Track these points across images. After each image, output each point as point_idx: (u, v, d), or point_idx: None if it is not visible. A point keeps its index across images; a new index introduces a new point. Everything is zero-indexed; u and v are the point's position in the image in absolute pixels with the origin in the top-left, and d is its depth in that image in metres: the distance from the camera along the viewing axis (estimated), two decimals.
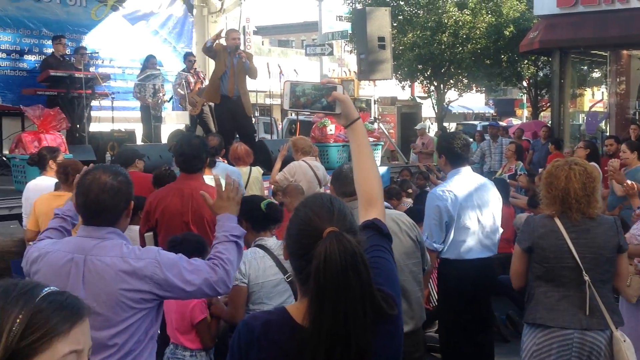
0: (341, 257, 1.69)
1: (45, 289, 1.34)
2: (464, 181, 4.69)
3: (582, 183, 3.60)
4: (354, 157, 2.28)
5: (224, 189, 2.94)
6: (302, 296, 1.83)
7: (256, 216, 4.00)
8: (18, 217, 7.33)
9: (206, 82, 12.38)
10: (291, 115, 18.68)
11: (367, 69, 11.44)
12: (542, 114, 28.58)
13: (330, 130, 10.63)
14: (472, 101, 44.63)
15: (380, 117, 13.82)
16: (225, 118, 9.90)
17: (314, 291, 1.69)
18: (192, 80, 11.99)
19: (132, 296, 2.58)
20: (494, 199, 4.78)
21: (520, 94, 38.26)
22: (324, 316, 1.67)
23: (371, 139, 11.34)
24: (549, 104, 28.59)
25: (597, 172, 3.87)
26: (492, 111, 48.76)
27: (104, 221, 2.68)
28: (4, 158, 9.41)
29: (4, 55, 11.90)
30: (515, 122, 33.22)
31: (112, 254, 2.61)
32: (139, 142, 11.43)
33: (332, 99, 2.23)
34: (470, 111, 47.23)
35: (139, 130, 11.81)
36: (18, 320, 1.27)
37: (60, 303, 1.33)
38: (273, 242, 3.98)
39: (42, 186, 5.91)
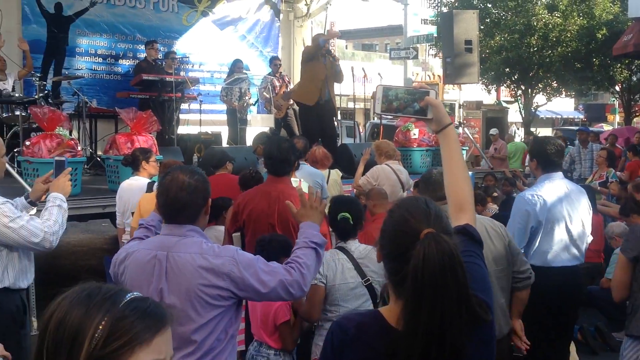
0: (439, 258, 1.68)
1: (129, 295, 1.32)
2: (554, 187, 4.55)
3: None
4: (445, 163, 2.27)
5: (307, 197, 3.01)
6: (397, 298, 1.82)
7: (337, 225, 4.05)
8: (110, 216, 7.61)
9: (291, 86, 12.55)
10: (374, 119, 18.66)
11: (453, 73, 11.30)
12: (635, 119, 27.54)
13: (414, 134, 10.57)
14: (560, 106, 43.39)
15: (465, 122, 13.63)
16: (312, 120, 9.98)
17: (411, 292, 1.69)
18: (277, 83, 12.16)
19: (209, 292, 2.66)
20: (584, 207, 4.63)
21: (612, 99, 36.91)
22: (421, 316, 1.67)
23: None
24: None
25: None
26: (581, 116, 47.22)
27: (183, 219, 2.79)
28: (98, 159, 9.79)
29: (100, 60, 12.40)
30: (607, 127, 32.09)
31: (192, 251, 2.71)
32: (224, 144, 11.69)
33: (424, 104, 2.22)
34: (559, 116, 45.93)
35: (224, 132, 12.08)
36: (101, 327, 1.25)
37: (143, 310, 1.30)
38: (355, 245, 3.99)
39: (135, 186, 6.12)
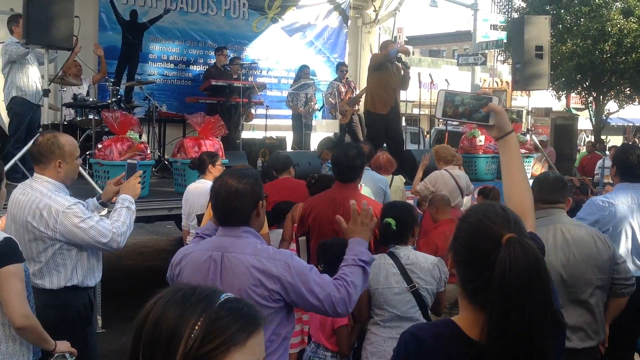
0: (526, 263, 1.65)
1: (223, 295, 1.32)
2: (628, 195, 4.48)
3: None
4: (505, 170, 2.27)
5: (358, 212, 3.02)
6: (472, 307, 1.77)
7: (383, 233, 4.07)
8: (175, 218, 7.79)
9: (357, 92, 12.60)
10: (439, 125, 18.52)
11: (523, 79, 11.09)
12: None
13: (480, 141, 10.44)
14: (633, 113, 41.99)
15: (532, 129, 13.38)
16: (379, 127, 10.00)
17: (498, 299, 1.64)
18: (343, 89, 12.23)
19: (260, 292, 2.72)
20: None
21: None
22: (509, 324, 1.63)
23: (523, 151, 11.07)
24: None
25: None
26: None
27: (235, 221, 2.86)
28: (166, 162, 10.03)
29: (172, 66, 12.70)
30: None
31: (246, 252, 2.78)
32: (288, 149, 11.82)
33: (487, 110, 2.22)
34: (631, 124, 44.46)
35: (289, 137, 12.21)
36: (197, 327, 1.24)
37: (238, 311, 1.30)
38: (405, 251, 4.00)
39: (201, 189, 6.22)
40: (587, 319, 3.67)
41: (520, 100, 22.59)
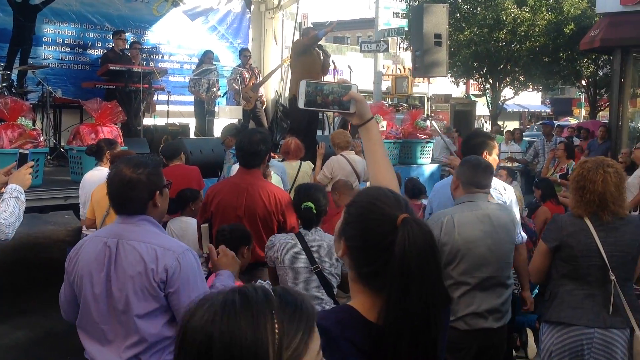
0: (423, 241, 1.67)
1: (270, 288, 1.26)
2: None
3: (616, 185, 3.58)
4: (369, 156, 2.31)
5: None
6: (369, 291, 1.76)
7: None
8: (73, 207, 7.54)
9: (260, 78, 12.53)
10: None
11: (422, 67, 11.36)
12: (600, 113, 27.93)
13: (382, 126, 10.62)
14: (528, 100, 43.88)
15: (433, 115, 13.72)
16: (302, 114, 9.98)
17: (398, 280, 1.65)
18: (247, 75, 12.12)
19: (150, 282, 2.69)
20: None
21: (579, 93, 37.43)
22: (409, 301, 1.64)
23: (423, 136, 11.34)
24: (607, 103, 27.96)
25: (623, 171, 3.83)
26: (548, 110, 47.83)
27: (130, 211, 2.82)
28: (62, 149, 9.66)
29: (67, 49, 12.17)
30: (573, 121, 32.53)
31: (141, 239, 2.74)
32: (191, 135, 11.63)
33: (347, 98, 2.26)
34: (526, 110, 46.43)
35: (192, 124, 12.01)
36: (277, 331, 1.16)
37: (294, 300, 1.24)
38: (312, 233, 4.08)
39: (98, 177, 6.04)
40: (503, 300, 3.79)
41: (422, 87, 23.12)
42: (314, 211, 4.03)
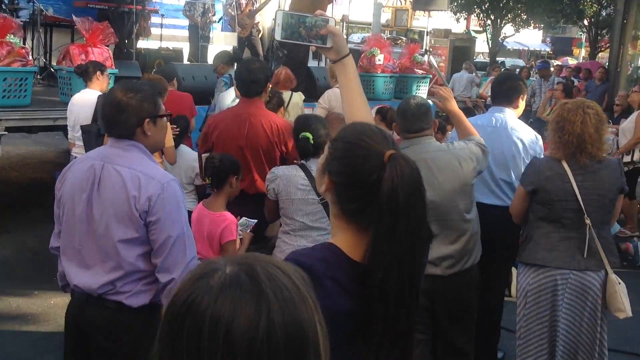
0: (410, 177, 1.64)
1: (284, 261, 1.15)
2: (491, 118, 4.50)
3: (596, 127, 3.54)
4: (344, 93, 2.25)
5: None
6: (353, 228, 1.73)
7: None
8: (62, 129, 7.45)
9: (257, 5, 12.25)
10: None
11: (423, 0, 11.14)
12: (599, 54, 27.65)
13: (379, 60, 10.41)
14: (528, 38, 43.30)
15: (431, 50, 13.51)
16: (305, 48, 9.79)
17: (387, 214, 1.61)
18: (243, 1, 11.84)
19: (131, 209, 2.64)
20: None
21: (580, 33, 36.99)
22: (396, 238, 1.61)
23: (420, 71, 11.17)
24: (608, 44, 27.65)
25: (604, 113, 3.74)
26: (548, 49, 47.32)
27: (117, 134, 2.76)
28: (52, 69, 9.48)
29: None
30: (572, 61, 32.23)
31: (127, 164, 2.69)
32: (184, 61, 11.44)
33: (325, 32, 2.19)
34: (526, 48, 45.90)
35: (186, 49, 11.80)
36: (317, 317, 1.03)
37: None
38: (316, 164, 3.95)
39: (86, 99, 5.98)
40: (458, 245, 3.64)
41: (422, 21, 22.70)
42: (311, 142, 3.94)
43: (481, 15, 25.60)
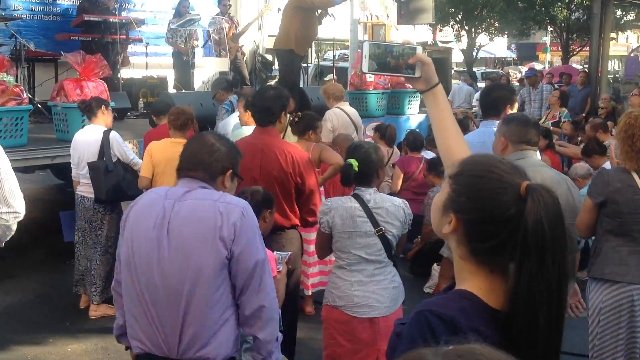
0: (554, 208, 1.51)
1: None
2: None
3: None
4: (437, 125, 2.12)
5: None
6: (486, 272, 1.59)
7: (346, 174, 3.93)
8: (57, 167, 7.21)
9: (240, 28, 12.11)
10: (317, 59, 18.24)
11: (408, 13, 11.08)
12: (572, 58, 27.99)
13: (370, 77, 10.34)
14: (494, 46, 43.78)
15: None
16: (297, 68, 9.78)
17: (534, 253, 1.48)
18: (225, 25, 11.69)
19: (214, 243, 2.49)
20: None
21: (544, 38, 37.51)
22: (544, 275, 1.48)
23: (410, 86, 11.09)
24: (579, 48, 28.01)
25: None
26: (514, 55, 47.92)
27: (199, 176, 2.65)
28: (39, 105, 9.19)
29: (37, 0, 11.57)
30: (538, 67, 32.56)
31: (201, 197, 2.57)
32: (170, 88, 11.24)
33: (414, 61, 2.06)
34: (492, 56, 46.38)
35: (170, 76, 11.59)
36: None
37: None
38: (371, 194, 3.85)
39: (91, 135, 5.88)
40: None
41: (399, 35, 22.68)
42: (355, 169, 3.82)
43: (456, 25, 25.78)
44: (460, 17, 24.70)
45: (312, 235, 5.30)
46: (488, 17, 24.85)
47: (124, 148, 5.99)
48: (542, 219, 1.49)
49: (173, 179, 5.24)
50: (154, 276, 2.49)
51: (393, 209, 3.79)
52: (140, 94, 10.91)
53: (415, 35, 21.12)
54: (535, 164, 3.56)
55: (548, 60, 38.84)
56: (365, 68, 2.08)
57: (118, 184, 5.81)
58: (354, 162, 3.81)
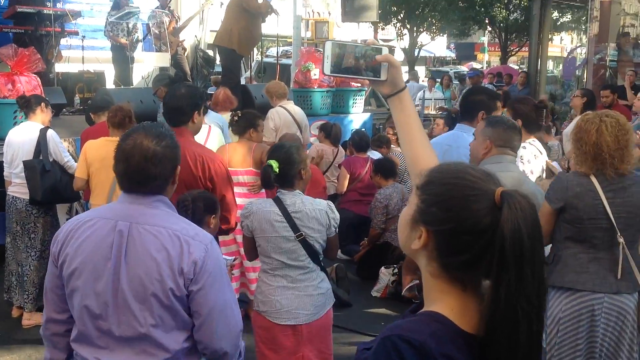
0: (532, 215, 1.40)
1: None
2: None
3: (615, 136, 3.34)
4: (403, 132, 1.99)
5: None
6: (458, 292, 1.47)
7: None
8: None
9: (181, 22, 11.83)
10: (259, 56, 18.05)
11: (352, 10, 10.99)
12: (510, 59, 28.52)
13: (315, 74, 10.21)
14: (434, 45, 44.30)
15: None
16: (238, 66, 9.62)
17: (512, 264, 1.37)
18: (166, 19, 11.38)
19: (173, 280, 2.23)
20: None
21: (482, 38, 38.15)
22: (523, 293, 1.37)
23: (357, 85, 11.03)
24: (517, 48, 28.55)
25: (629, 124, 3.60)
26: (453, 55, 48.59)
27: (149, 190, 2.32)
28: None
29: None
30: (477, 66, 33.07)
31: (162, 224, 2.26)
32: (109, 84, 10.89)
33: (380, 61, 1.91)
34: (432, 55, 46.90)
35: (108, 71, 11.22)
36: None
37: None
38: (291, 198, 3.68)
39: (27, 132, 5.59)
40: None
41: (343, 32, 22.60)
42: (275, 170, 3.64)
43: (398, 25, 25.91)
44: (402, 15, 24.82)
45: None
46: (430, 17, 25.06)
47: (60, 148, 5.71)
48: (520, 227, 1.37)
49: (108, 178, 5.09)
50: (110, 303, 2.25)
51: (314, 212, 3.64)
52: (77, 90, 10.53)
53: (358, 33, 21.13)
54: (513, 169, 3.53)
55: (486, 60, 39.49)
56: (327, 70, 1.92)
57: (55, 184, 5.54)
58: (274, 163, 3.64)
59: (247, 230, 3.68)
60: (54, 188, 5.54)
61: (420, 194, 1.53)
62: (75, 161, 5.78)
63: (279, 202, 3.65)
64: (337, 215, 3.74)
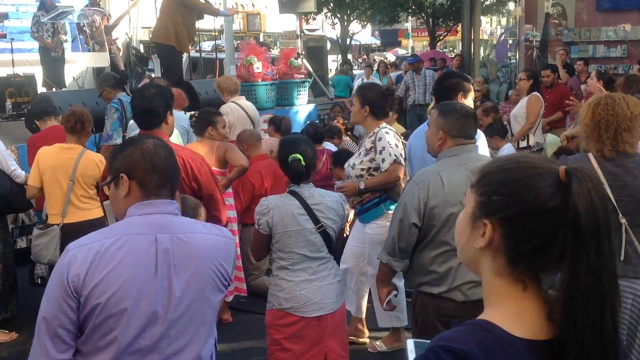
0: (603, 192, 1.32)
1: None
2: None
3: (617, 115, 3.28)
4: None
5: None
6: (520, 291, 1.38)
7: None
8: None
9: (112, 20, 11.44)
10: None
11: (290, 2, 10.84)
12: (438, 44, 28.92)
13: (257, 68, 10.02)
14: (359, 34, 44.59)
15: (303, 53, 13.26)
16: (179, 62, 9.40)
17: (591, 243, 1.28)
18: (97, 18, 10.96)
19: (220, 278, 2.22)
20: None
21: (406, 24, 38.61)
22: (606, 265, 1.29)
23: (301, 76, 10.90)
24: (445, 33, 28.96)
25: (636, 102, 3.55)
26: (378, 42, 48.99)
27: (172, 192, 2.22)
28: None
29: None
30: (402, 52, 33.36)
31: (196, 230, 2.19)
32: (39, 87, 10.43)
33: None
34: (357, 42, 47.18)
35: (39, 74, 10.73)
36: None
37: None
38: (308, 190, 3.70)
39: None
40: None
41: (273, 25, 22.49)
42: (303, 163, 3.63)
43: (329, 14, 25.88)
44: (332, 5, 24.80)
45: None
46: (360, 5, 25.13)
47: (6, 157, 5.40)
48: (594, 201, 1.29)
49: (62, 188, 4.83)
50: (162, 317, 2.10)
51: (332, 204, 3.72)
52: (7, 94, 10.02)
53: (285, 24, 20.99)
54: (478, 158, 3.37)
55: (410, 46, 39.94)
56: None
57: (4, 195, 5.23)
58: (300, 157, 3.64)
59: (266, 226, 3.62)
60: (3, 198, 5.25)
61: (476, 189, 1.44)
62: (22, 169, 5.50)
63: (297, 196, 3.67)
64: (349, 207, 3.88)
